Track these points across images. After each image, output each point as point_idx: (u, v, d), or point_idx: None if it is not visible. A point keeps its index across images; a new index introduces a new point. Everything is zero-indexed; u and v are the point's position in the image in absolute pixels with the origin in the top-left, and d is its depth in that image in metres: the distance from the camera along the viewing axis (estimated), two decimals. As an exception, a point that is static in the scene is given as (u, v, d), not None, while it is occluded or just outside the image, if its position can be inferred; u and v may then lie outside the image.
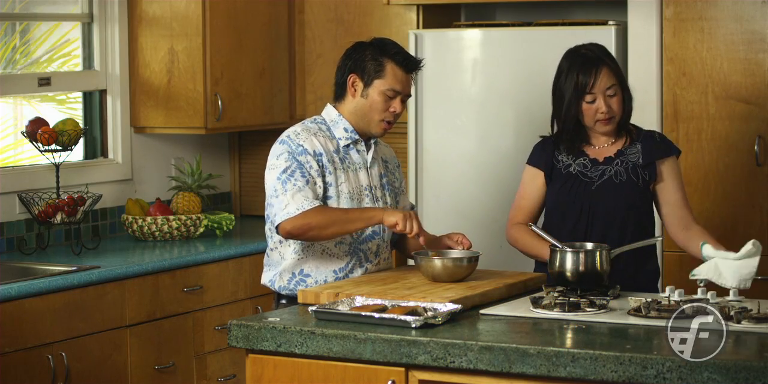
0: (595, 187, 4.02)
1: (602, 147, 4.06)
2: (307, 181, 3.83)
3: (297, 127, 3.96)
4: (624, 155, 4.03)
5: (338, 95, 3.99)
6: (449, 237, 3.98)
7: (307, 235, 3.80)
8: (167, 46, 5.51)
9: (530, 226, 3.95)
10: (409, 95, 3.96)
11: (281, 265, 3.94)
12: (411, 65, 3.93)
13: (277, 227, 3.82)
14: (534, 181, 4.13)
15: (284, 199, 3.80)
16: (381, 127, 3.93)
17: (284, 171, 3.83)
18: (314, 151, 3.88)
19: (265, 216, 3.95)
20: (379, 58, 3.91)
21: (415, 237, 3.81)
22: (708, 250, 3.75)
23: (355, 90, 3.93)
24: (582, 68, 3.98)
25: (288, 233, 3.80)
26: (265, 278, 4.00)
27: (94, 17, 5.52)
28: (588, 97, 3.99)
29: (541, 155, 4.11)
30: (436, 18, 5.67)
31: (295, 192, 3.80)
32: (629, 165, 4.01)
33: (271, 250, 3.98)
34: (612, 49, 4.97)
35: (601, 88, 3.97)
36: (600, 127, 4.01)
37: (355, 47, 3.98)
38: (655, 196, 4.07)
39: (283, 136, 3.93)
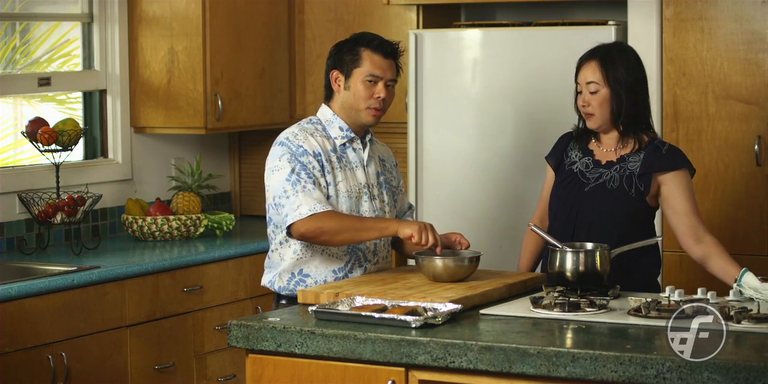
0: (588, 189, 4.02)
1: (609, 150, 4.05)
2: (314, 183, 3.83)
3: (294, 128, 3.96)
4: (625, 162, 4.00)
5: (328, 95, 4.02)
6: (447, 237, 3.98)
7: (320, 239, 3.81)
8: (167, 46, 5.51)
9: (530, 225, 3.95)
10: (394, 80, 3.96)
11: (281, 265, 3.94)
12: (387, 49, 3.94)
13: (289, 228, 3.81)
14: (548, 176, 4.18)
15: (296, 200, 3.80)
16: (370, 114, 3.94)
17: (292, 172, 3.84)
18: (313, 152, 3.88)
19: (267, 218, 3.95)
20: (355, 48, 3.94)
21: (432, 248, 3.81)
22: (750, 279, 3.64)
23: (339, 85, 3.96)
24: (579, 59, 4.04)
25: (301, 235, 3.80)
26: (265, 279, 4.00)
27: (94, 17, 5.52)
28: (577, 87, 4.03)
29: (555, 150, 4.15)
30: (436, 18, 5.67)
31: (306, 193, 3.80)
32: (626, 173, 3.99)
33: (272, 251, 3.98)
34: (612, 49, 4.97)
35: (582, 82, 4.00)
36: (587, 120, 4.02)
37: (334, 46, 4.03)
38: (663, 209, 4.03)
39: (281, 137, 3.94)
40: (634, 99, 3.97)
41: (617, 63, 3.96)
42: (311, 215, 3.77)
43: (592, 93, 3.97)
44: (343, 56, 3.95)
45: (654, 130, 4.07)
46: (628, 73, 3.97)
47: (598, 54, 3.99)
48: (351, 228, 3.80)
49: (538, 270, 4.21)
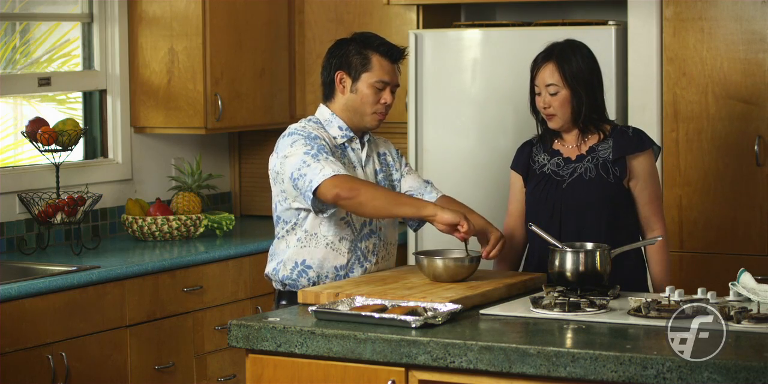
0: (566, 185, 4.03)
1: (574, 146, 4.06)
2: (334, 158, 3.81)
3: (300, 123, 3.95)
4: (595, 152, 4.03)
5: (327, 94, 3.99)
6: (484, 229, 3.91)
7: (353, 200, 3.68)
8: (167, 46, 5.51)
9: (530, 225, 3.95)
10: (398, 85, 3.95)
11: (285, 253, 3.93)
12: (396, 55, 3.93)
13: (316, 190, 3.70)
14: (516, 185, 4.18)
15: (318, 165, 3.72)
16: (375, 119, 3.93)
17: (311, 148, 3.78)
18: (325, 140, 3.86)
19: (273, 206, 3.93)
20: (364, 51, 3.90)
21: (465, 240, 3.77)
22: (747, 280, 3.64)
23: (344, 86, 3.93)
24: (534, 61, 4.04)
25: (336, 196, 3.67)
26: (269, 268, 3.98)
27: (94, 17, 5.52)
28: (536, 89, 4.03)
29: (519, 158, 4.16)
30: (436, 18, 5.67)
31: (329, 161, 3.73)
32: (599, 161, 4.01)
33: (278, 239, 3.95)
34: (612, 49, 4.97)
35: (540, 84, 4.00)
36: (548, 121, 4.03)
37: (337, 44, 3.98)
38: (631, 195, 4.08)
39: (290, 129, 3.90)
40: (593, 95, 4.00)
41: (573, 62, 3.98)
42: (340, 175, 3.68)
43: (552, 94, 3.98)
44: (350, 58, 3.90)
45: (610, 119, 4.09)
46: (585, 70, 3.99)
47: (553, 55, 4.00)
48: (387, 197, 3.73)
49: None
